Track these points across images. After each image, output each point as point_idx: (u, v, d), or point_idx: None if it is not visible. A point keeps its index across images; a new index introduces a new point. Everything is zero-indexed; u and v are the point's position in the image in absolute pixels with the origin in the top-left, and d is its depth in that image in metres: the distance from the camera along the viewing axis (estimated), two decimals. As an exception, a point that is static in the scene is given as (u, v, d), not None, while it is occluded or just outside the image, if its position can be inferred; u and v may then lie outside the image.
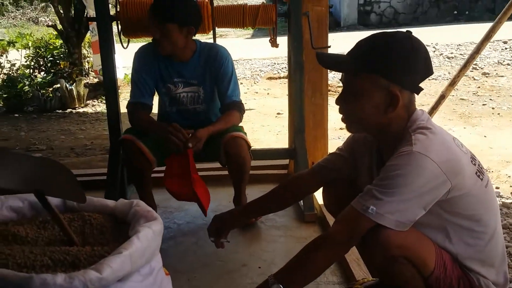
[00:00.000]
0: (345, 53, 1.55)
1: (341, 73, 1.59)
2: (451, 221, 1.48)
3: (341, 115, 1.57)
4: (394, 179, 1.37)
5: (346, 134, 1.74)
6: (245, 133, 2.59)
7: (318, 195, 2.26)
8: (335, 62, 1.59)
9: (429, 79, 7.19)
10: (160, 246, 1.17)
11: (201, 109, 2.63)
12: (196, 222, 2.66)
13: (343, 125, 1.60)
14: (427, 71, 1.50)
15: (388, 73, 1.44)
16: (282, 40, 2.86)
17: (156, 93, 2.64)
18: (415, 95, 1.51)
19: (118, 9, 2.67)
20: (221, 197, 2.93)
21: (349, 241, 1.45)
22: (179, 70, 2.54)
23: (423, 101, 5.78)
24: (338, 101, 1.54)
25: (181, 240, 2.47)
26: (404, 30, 1.53)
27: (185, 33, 2.41)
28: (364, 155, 1.71)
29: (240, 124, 2.63)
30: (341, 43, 10.01)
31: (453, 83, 3.46)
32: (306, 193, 2.00)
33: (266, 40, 2.98)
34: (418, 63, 1.46)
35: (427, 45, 9.21)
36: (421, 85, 1.50)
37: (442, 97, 3.52)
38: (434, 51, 8.97)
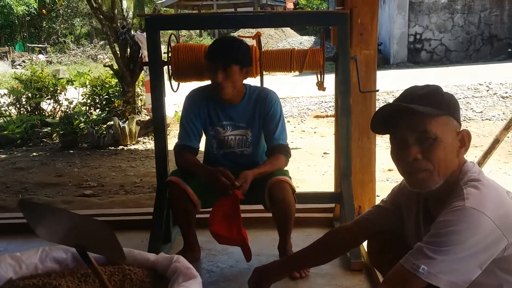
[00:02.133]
0: (392, 99, 1.52)
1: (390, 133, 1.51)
2: (508, 280, 1.40)
3: (420, 168, 1.44)
4: (447, 236, 1.31)
5: (396, 176, 1.67)
6: (290, 177, 2.57)
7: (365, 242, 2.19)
8: (399, 116, 1.44)
9: (482, 119, 6.99)
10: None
11: (248, 152, 2.64)
12: (239, 266, 2.63)
13: (393, 166, 1.54)
14: None
15: (455, 112, 1.44)
16: (330, 78, 2.86)
17: (203, 135, 2.68)
18: None
19: (169, 55, 2.76)
20: (264, 241, 2.89)
21: None
22: (228, 113, 2.58)
23: (476, 142, 5.59)
24: (415, 154, 1.42)
25: (224, 286, 2.43)
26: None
27: (244, 74, 2.49)
28: (410, 207, 1.65)
29: (286, 167, 2.62)
30: (391, 81, 9.96)
31: (508, 127, 3.33)
32: (350, 247, 1.95)
33: (314, 78, 2.98)
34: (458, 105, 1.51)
35: (480, 84, 9.12)
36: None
37: (496, 141, 3.39)
38: (488, 90, 8.73)
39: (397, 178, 1.95)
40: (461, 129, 1.45)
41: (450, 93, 1.49)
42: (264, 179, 2.44)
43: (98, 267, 1.12)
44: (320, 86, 2.90)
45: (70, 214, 1.03)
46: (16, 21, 29.56)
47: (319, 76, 2.92)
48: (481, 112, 7.40)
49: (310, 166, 5.29)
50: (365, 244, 1.98)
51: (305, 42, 19.81)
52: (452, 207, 1.35)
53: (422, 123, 1.40)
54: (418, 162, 1.42)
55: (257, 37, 2.80)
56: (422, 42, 15.47)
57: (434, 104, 1.40)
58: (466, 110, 7.52)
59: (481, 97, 8.37)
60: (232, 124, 2.59)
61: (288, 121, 8.00)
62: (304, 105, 8.91)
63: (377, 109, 2.75)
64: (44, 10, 29.46)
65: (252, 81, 2.93)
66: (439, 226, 1.35)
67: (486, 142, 4.99)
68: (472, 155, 4.71)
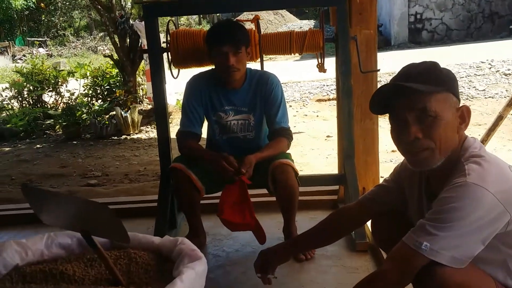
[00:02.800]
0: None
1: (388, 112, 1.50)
2: (512, 255, 1.40)
3: (422, 146, 1.42)
4: (448, 212, 1.30)
5: (399, 157, 1.66)
6: (293, 160, 2.57)
7: (369, 222, 2.19)
8: (400, 89, 1.41)
9: (485, 97, 6.95)
10: (203, 286, 1.16)
11: (251, 137, 2.64)
12: (244, 250, 2.64)
13: (395, 148, 1.52)
14: None
15: (453, 88, 1.42)
16: (330, 61, 2.84)
17: (206, 121, 2.68)
18: None
19: (168, 41, 2.74)
20: (269, 225, 2.89)
21: (402, 280, 1.37)
22: (230, 97, 2.57)
23: (479, 120, 5.57)
24: (408, 134, 1.40)
25: (230, 270, 2.45)
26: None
27: (248, 55, 2.51)
28: (412, 185, 1.65)
29: (289, 150, 2.62)
30: (391, 62, 9.90)
31: (511, 104, 3.30)
32: (354, 227, 1.96)
33: (315, 62, 2.97)
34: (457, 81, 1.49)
35: (482, 62, 9.04)
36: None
37: (500, 118, 3.37)
38: (490, 68, 8.67)
39: (400, 159, 1.95)
40: (461, 105, 1.43)
41: (448, 69, 1.48)
42: (266, 162, 2.44)
43: (103, 251, 1.12)
44: (321, 67, 2.89)
45: (73, 199, 1.03)
46: (15, 15, 29.47)
47: (319, 58, 2.90)
48: (484, 90, 7.36)
49: (314, 149, 5.28)
50: (369, 223, 1.98)
51: (305, 26, 19.66)
52: (454, 183, 1.34)
53: (420, 100, 1.38)
54: (419, 141, 1.40)
55: (256, 20, 2.78)
56: (423, 22, 15.34)
57: (431, 81, 1.38)
58: (469, 88, 7.48)
59: (484, 75, 8.32)
60: (234, 109, 2.58)
61: (290, 106, 7.97)
62: (306, 89, 8.88)
63: (378, 89, 2.74)
64: (42, 4, 29.31)
65: (252, 65, 2.92)
66: (441, 203, 1.34)
67: (489, 120, 4.96)
68: (475, 134, 4.70)
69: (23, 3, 27.89)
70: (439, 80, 1.40)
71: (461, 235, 1.29)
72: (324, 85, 8.81)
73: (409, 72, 1.44)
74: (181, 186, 2.49)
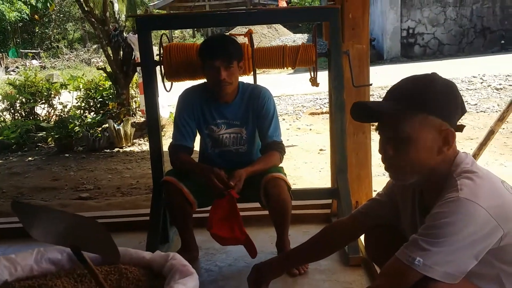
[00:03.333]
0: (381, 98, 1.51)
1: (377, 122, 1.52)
2: (505, 270, 1.40)
3: (385, 164, 1.49)
4: (441, 228, 1.30)
5: None
6: (285, 174, 2.56)
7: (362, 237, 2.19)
8: (374, 111, 1.46)
9: (477, 111, 7.00)
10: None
11: (243, 150, 2.64)
12: (237, 265, 2.62)
13: None
14: (463, 108, 1.47)
15: (438, 111, 1.39)
16: (323, 75, 2.85)
17: (198, 135, 2.67)
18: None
19: (161, 54, 2.75)
20: (262, 239, 2.89)
21: None
22: (222, 111, 2.57)
23: (471, 134, 5.60)
24: (384, 149, 1.45)
25: (223, 284, 2.43)
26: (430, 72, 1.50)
27: (240, 69, 2.52)
28: (405, 200, 1.65)
29: (282, 163, 2.61)
30: (384, 76, 9.97)
31: (502, 118, 3.33)
32: (348, 241, 1.95)
33: (308, 75, 2.98)
34: (457, 100, 1.44)
35: (474, 76, 9.11)
36: (470, 118, 1.45)
37: (491, 133, 3.39)
38: (482, 83, 8.75)
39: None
40: (447, 128, 1.40)
41: (446, 88, 1.43)
42: (259, 176, 2.43)
43: (93, 266, 1.11)
44: (314, 81, 2.90)
45: (64, 214, 1.02)
46: (9, 27, 29.46)
47: (312, 72, 2.92)
48: (476, 104, 7.42)
49: (307, 163, 5.29)
50: (362, 237, 1.98)
51: (298, 39, 19.79)
52: (446, 198, 1.34)
53: (393, 122, 1.41)
54: (392, 158, 1.44)
55: (249, 34, 2.79)
56: (415, 37, 15.50)
57: (413, 102, 1.39)
58: (461, 103, 7.54)
59: (475, 89, 8.39)
60: (226, 122, 2.58)
61: (284, 119, 7.99)
62: (299, 102, 8.91)
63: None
64: (36, 16, 29.35)
65: (245, 79, 2.93)
66: (434, 218, 1.34)
67: (481, 134, 4.99)
68: (468, 148, 4.73)
69: (17, 15, 27.90)
70: (421, 102, 1.39)
71: (454, 250, 1.29)
72: (317, 99, 8.85)
73: (397, 88, 1.47)
74: (173, 199, 2.48)
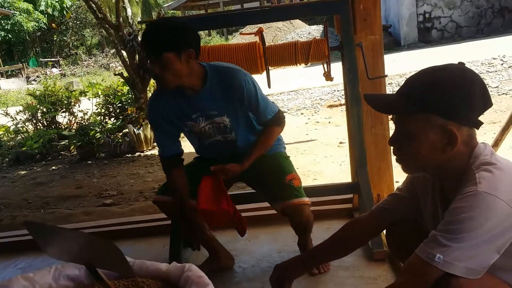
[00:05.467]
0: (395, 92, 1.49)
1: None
2: (530, 262, 1.36)
3: (395, 156, 1.51)
4: (460, 223, 1.28)
5: None
6: (295, 171, 2.49)
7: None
8: (385, 104, 1.52)
9: (498, 94, 6.85)
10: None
11: (232, 138, 2.42)
12: (261, 265, 2.62)
13: None
14: (486, 104, 1.40)
15: (443, 111, 1.36)
16: (337, 66, 2.80)
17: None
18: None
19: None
20: (285, 237, 2.88)
21: None
22: (194, 104, 2.33)
23: (493, 118, 5.48)
24: (391, 142, 1.48)
25: (247, 286, 2.43)
26: (456, 62, 1.45)
27: (185, 59, 2.15)
28: (426, 193, 1.62)
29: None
30: (402, 63, 9.84)
31: (524, 101, 3.23)
32: (369, 237, 1.92)
33: (323, 67, 2.93)
34: (474, 96, 1.37)
35: (494, 58, 8.90)
36: (492, 100, 1.41)
37: (514, 116, 3.29)
38: (502, 64, 8.55)
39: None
40: (450, 128, 1.36)
41: (452, 89, 1.36)
42: (272, 193, 2.39)
43: (109, 282, 1.11)
44: (328, 76, 2.87)
45: (77, 234, 1.03)
46: (27, 37, 30.01)
47: (325, 66, 2.89)
48: (497, 87, 7.25)
49: (327, 157, 5.25)
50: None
51: (314, 31, 19.68)
52: (465, 192, 1.31)
53: (399, 117, 1.45)
54: (394, 150, 1.49)
55: (260, 33, 2.77)
56: (432, 21, 15.24)
57: (416, 100, 1.38)
58: (482, 86, 7.38)
59: (496, 71, 8.21)
60: (202, 114, 2.35)
61: (302, 113, 7.96)
62: (317, 95, 8.85)
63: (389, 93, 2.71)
64: (54, 24, 29.86)
65: (259, 77, 2.91)
66: (453, 213, 1.31)
67: (504, 117, 4.88)
68: (490, 132, 4.62)
69: (35, 25, 28.41)
70: (424, 100, 1.37)
71: (475, 245, 1.26)
72: (334, 91, 8.78)
73: (407, 84, 1.46)
74: (174, 217, 2.44)
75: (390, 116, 2.01)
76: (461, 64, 1.43)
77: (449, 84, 1.36)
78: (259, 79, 2.74)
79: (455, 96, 1.35)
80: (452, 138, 1.36)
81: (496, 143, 3.31)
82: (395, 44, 14.86)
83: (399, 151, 1.47)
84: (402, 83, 1.50)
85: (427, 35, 15.28)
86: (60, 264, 1.20)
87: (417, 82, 1.42)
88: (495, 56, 9.13)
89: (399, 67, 9.28)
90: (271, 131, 2.42)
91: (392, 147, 1.50)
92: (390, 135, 3.05)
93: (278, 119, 2.42)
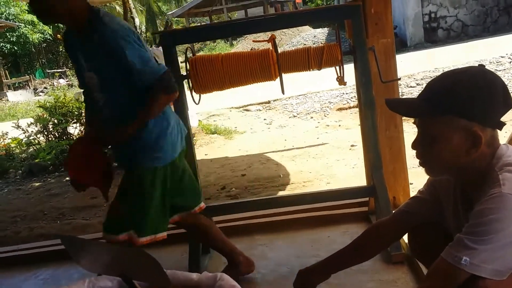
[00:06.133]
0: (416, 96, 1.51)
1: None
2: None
3: (418, 160, 1.51)
4: (486, 225, 1.29)
5: None
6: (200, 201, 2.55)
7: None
8: (407, 108, 1.52)
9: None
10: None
11: (104, 100, 2.20)
12: (279, 270, 2.63)
13: None
14: (508, 104, 1.41)
15: (466, 112, 1.37)
16: (348, 69, 2.80)
17: None
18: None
19: (188, 68, 2.77)
20: (302, 242, 2.89)
21: None
22: (84, 52, 2.16)
23: (506, 117, 5.45)
24: (414, 146, 1.49)
25: (268, 291, 2.44)
26: (476, 64, 1.47)
27: None
28: (448, 195, 1.63)
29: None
30: (409, 64, 9.83)
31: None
32: (391, 241, 1.93)
33: (331, 70, 2.94)
34: (496, 97, 1.39)
35: (502, 56, 8.85)
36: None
37: (527, 115, 3.29)
38: (510, 62, 8.51)
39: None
40: (474, 129, 1.37)
41: (474, 90, 1.37)
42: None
43: (145, 294, 1.14)
44: (341, 81, 2.88)
45: (111, 247, 1.04)
46: (33, 49, 30.25)
47: (338, 70, 2.90)
48: (507, 85, 7.22)
49: (339, 160, 5.25)
50: (405, 236, 1.96)
51: (319, 35, 19.71)
52: (489, 194, 1.32)
53: (422, 121, 1.46)
54: (418, 153, 1.49)
55: (272, 40, 2.79)
56: (438, 21, 15.22)
57: (438, 103, 1.39)
58: (491, 84, 7.35)
59: (504, 70, 8.17)
60: (87, 65, 2.18)
61: (312, 117, 7.96)
62: (326, 99, 8.85)
63: (400, 95, 2.71)
64: (59, 35, 30.04)
65: (271, 84, 2.93)
66: (478, 215, 1.32)
67: (515, 116, 4.87)
68: (504, 130, 4.60)
69: (40, 36, 28.62)
70: (446, 103, 1.38)
71: (501, 247, 1.27)
72: (343, 93, 8.78)
73: (428, 88, 1.47)
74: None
75: (410, 120, 2.02)
76: (481, 66, 1.44)
77: (471, 85, 1.38)
78: (271, 86, 2.76)
79: (477, 97, 1.36)
80: (476, 140, 1.37)
81: (510, 142, 3.31)
82: (401, 45, 14.84)
83: (423, 154, 1.48)
84: (412, 84, 1.53)
85: (433, 35, 15.25)
86: (93, 277, 1.23)
87: (438, 85, 1.43)
88: (503, 55, 9.09)
89: (407, 68, 9.26)
90: (153, 100, 2.11)
91: (415, 151, 1.50)
92: (405, 137, 3.08)
93: (160, 85, 2.11)
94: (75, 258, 1.17)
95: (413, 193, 2.41)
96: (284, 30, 20.78)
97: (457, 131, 1.38)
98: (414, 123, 1.53)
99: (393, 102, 1.54)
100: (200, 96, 2.95)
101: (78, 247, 1.17)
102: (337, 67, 2.89)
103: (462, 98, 1.37)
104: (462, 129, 1.37)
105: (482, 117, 1.37)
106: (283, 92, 2.83)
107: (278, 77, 2.80)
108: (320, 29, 21.15)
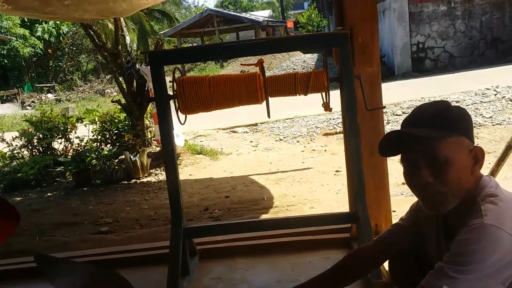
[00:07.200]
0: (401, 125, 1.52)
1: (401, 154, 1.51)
2: (534, 295, 1.37)
3: (430, 193, 1.45)
4: (467, 255, 1.30)
5: (410, 191, 1.64)
6: None
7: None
8: (407, 141, 1.44)
9: (493, 124, 6.93)
10: None
11: None
12: (260, 295, 2.60)
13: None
14: None
15: (464, 130, 1.43)
16: (335, 95, 2.82)
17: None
18: None
19: (175, 89, 2.78)
20: (283, 267, 2.87)
21: None
22: None
23: (488, 148, 5.53)
24: (419, 179, 1.43)
25: (246, 316, 2.41)
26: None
27: None
28: (430, 225, 1.64)
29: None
30: (396, 92, 9.95)
31: (519, 132, 3.29)
32: (371, 268, 1.93)
33: (319, 96, 2.95)
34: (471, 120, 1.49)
35: (487, 88, 9.02)
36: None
37: (509, 148, 3.34)
38: (496, 94, 8.66)
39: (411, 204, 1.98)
40: (474, 146, 1.44)
41: (461, 109, 1.48)
42: None
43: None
44: (326, 107, 2.91)
45: (85, 267, 1.03)
46: (23, 62, 30.14)
47: (324, 97, 2.92)
48: (491, 117, 7.34)
49: (323, 185, 5.26)
50: (385, 263, 1.96)
51: (308, 60, 19.93)
52: (471, 224, 1.34)
53: (430, 146, 1.40)
54: (430, 184, 1.42)
55: (260, 64, 2.82)
56: (426, 51, 15.48)
57: (442, 125, 1.40)
58: (476, 116, 7.47)
59: (490, 101, 8.32)
60: None
61: (298, 141, 7.99)
62: (312, 123, 8.91)
63: (384, 123, 2.74)
64: (50, 50, 30.05)
65: (259, 106, 2.95)
66: (459, 245, 1.33)
67: (498, 148, 4.93)
68: (486, 162, 4.65)
69: (31, 50, 28.57)
70: (449, 123, 1.41)
71: (481, 277, 1.28)
72: (330, 119, 8.84)
73: (420, 116, 1.47)
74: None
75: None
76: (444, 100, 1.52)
77: (459, 109, 1.46)
78: (259, 108, 2.77)
79: (468, 119, 1.45)
80: (479, 155, 1.43)
81: (492, 174, 3.35)
82: (389, 73, 15.04)
83: (435, 183, 1.41)
84: (398, 112, 1.55)
85: (421, 65, 15.49)
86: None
87: (433, 110, 1.46)
88: (488, 87, 9.26)
89: (394, 96, 9.38)
90: None
91: (416, 184, 1.45)
92: (388, 164, 3.09)
93: None
94: (49, 277, 1.15)
95: (395, 220, 2.42)
96: (274, 54, 20.99)
97: (462, 150, 1.41)
98: (402, 160, 1.51)
99: (392, 135, 1.48)
100: (186, 116, 2.96)
101: (54, 267, 1.15)
102: (323, 93, 2.91)
103: (460, 119, 1.43)
104: (465, 148, 1.42)
105: (472, 137, 1.46)
106: (268, 116, 2.84)
107: (265, 101, 2.82)
108: (310, 54, 21.41)
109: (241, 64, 3.51)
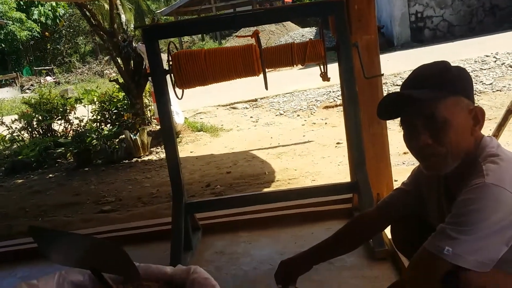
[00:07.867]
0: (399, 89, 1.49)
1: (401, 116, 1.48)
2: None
3: (430, 155, 1.42)
4: (469, 215, 1.28)
5: (412, 158, 1.63)
6: None
7: (387, 229, 2.15)
8: (405, 100, 1.41)
9: (493, 91, 6.88)
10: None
11: None
12: (263, 268, 2.61)
13: (407, 150, 1.51)
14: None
15: (463, 90, 1.40)
16: (333, 67, 2.79)
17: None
18: None
19: (170, 63, 2.74)
20: (285, 239, 2.87)
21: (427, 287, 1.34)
22: None
23: (489, 114, 5.50)
24: (418, 141, 1.40)
25: (250, 288, 2.42)
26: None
27: None
28: (431, 187, 1.62)
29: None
30: (396, 63, 9.86)
31: (520, 97, 3.25)
32: (374, 233, 1.93)
33: (318, 69, 2.92)
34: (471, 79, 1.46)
35: (487, 56, 8.96)
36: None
37: (509, 112, 3.31)
38: (495, 61, 8.58)
39: (413, 160, 1.94)
40: (474, 106, 1.41)
41: (461, 69, 1.45)
42: None
43: (115, 287, 1.11)
44: (324, 77, 2.87)
45: (82, 238, 1.02)
46: (21, 46, 29.93)
47: (321, 67, 2.89)
48: (491, 84, 7.29)
49: (325, 158, 5.25)
50: (388, 230, 1.95)
51: (307, 34, 19.73)
52: (472, 184, 1.32)
53: (428, 108, 1.37)
54: (429, 146, 1.39)
55: (256, 35, 2.77)
56: (424, 20, 15.30)
57: (440, 85, 1.37)
58: (476, 83, 7.40)
59: (489, 68, 8.24)
60: None
61: (298, 115, 7.96)
62: (312, 97, 8.86)
63: (384, 93, 2.72)
64: (47, 33, 29.80)
65: (255, 79, 2.91)
66: (460, 205, 1.31)
67: (499, 114, 4.88)
68: (486, 129, 4.63)
69: (28, 34, 28.33)
70: (448, 84, 1.38)
71: (483, 237, 1.26)
72: (330, 92, 8.79)
73: (419, 77, 1.44)
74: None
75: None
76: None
77: (457, 69, 1.43)
78: (256, 81, 2.74)
79: (468, 79, 1.42)
80: (479, 116, 1.40)
81: (494, 134, 3.32)
82: (388, 44, 14.90)
83: (437, 145, 1.39)
84: (398, 82, 1.51)
85: (420, 34, 15.33)
86: (63, 270, 1.19)
87: (431, 71, 1.43)
88: (488, 54, 9.16)
89: (393, 66, 9.31)
90: None
91: (416, 146, 1.43)
92: (388, 134, 3.08)
93: None
94: (43, 251, 1.14)
95: (396, 189, 2.40)
96: (272, 29, 20.78)
97: (462, 110, 1.39)
98: (402, 121, 1.48)
99: (391, 97, 1.45)
100: (183, 91, 2.93)
101: (49, 240, 1.14)
102: (321, 63, 2.87)
103: (459, 79, 1.40)
104: (465, 108, 1.39)
105: (472, 97, 1.42)
106: (266, 87, 2.81)
107: (262, 73, 2.78)
108: (308, 28, 21.18)
109: (236, 36, 3.44)
